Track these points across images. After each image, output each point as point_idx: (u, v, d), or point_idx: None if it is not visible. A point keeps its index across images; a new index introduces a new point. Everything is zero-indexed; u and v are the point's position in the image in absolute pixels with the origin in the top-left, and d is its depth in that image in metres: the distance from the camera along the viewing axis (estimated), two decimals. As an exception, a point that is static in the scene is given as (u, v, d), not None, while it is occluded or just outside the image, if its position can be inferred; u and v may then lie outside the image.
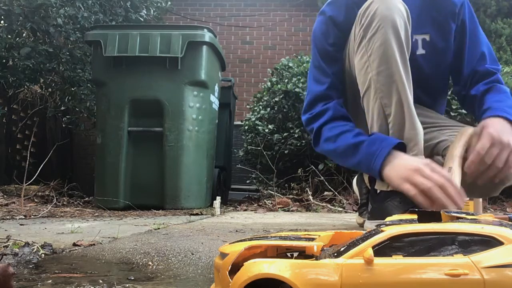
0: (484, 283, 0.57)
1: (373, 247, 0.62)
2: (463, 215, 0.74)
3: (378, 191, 1.55)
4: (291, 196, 3.78)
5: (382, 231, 0.65)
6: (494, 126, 1.41)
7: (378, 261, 0.60)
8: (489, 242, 0.60)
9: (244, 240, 0.77)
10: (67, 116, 4.91)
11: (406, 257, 0.61)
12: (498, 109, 1.50)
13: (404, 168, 1.33)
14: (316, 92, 1.68)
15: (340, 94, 1.67)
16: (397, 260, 0.60)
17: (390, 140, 1.43)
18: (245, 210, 3.55)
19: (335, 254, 0.64)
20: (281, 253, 0.75)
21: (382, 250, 0.62)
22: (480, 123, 1.46)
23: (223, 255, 0.71)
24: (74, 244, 1.49)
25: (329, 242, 0.76)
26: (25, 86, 4.62)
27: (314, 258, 0.66)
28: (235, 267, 0.66)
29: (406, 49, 1.48)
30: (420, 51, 1.66)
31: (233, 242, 0.76)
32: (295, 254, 0.76)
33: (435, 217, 0.77)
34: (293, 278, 0.61)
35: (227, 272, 0.67)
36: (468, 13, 1.70)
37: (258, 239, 0.75)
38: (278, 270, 0.61)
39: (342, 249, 0.65)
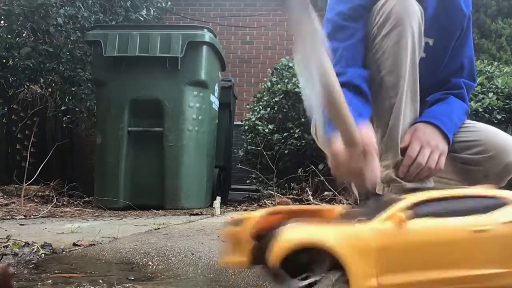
0: (506, 236, 0.66)
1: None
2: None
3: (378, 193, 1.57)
4: (291, 196, 3.78)
5: (403, 198, 0.69)
6: (422, 130, 1.45)
7: (412, 224, 0.65)
8: (496, 202, 0.69)
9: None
10: (67, 116, 4.91)
11: (435, 219, 0.66)
12: (430, 115, 1.51)
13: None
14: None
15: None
16: (429, 221, 0.66)
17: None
18: (245, 210, 3.55)
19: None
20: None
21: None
22: (410, 128, 1.48)
23: (238, 222, 0.69)
24: (74, 244, 1.49)
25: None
26: (25, 86, 4.61)
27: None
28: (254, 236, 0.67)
29: (417, 51, 1.49)
30: (422, 53, 1.62)
31: (241, 215, 0.76)
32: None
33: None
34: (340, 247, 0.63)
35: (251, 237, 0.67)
36: (468, 23, 1.70)
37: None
38: (329, 239, 0.62)
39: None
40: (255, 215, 0.68)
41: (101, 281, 0.97)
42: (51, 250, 1.35)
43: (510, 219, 0.67)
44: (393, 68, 1.45)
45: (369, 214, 0.68)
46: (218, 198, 3.13)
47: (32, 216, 2.70)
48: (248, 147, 4.45)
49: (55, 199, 3.60)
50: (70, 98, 4.64)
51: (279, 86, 4.20)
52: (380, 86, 1.48)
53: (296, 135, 3.97)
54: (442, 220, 0.66)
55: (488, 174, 1.56)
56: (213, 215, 2.93)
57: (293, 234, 0.62)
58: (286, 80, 4.19)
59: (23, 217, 2.66)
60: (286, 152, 4.00)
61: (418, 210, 0.67)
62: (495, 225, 0.66)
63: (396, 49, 1.44)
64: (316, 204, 3.52)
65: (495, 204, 0.69)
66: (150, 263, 1.21)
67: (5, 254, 1.22)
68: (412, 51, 1.46)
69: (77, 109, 4.74)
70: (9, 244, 1.35)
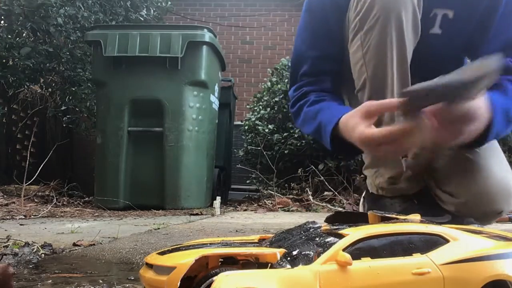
0: (443, 279, 0.62)
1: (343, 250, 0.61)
2: (394, 215, 0.78)
3: (370, 191, 1.54)
4: (291, 196, 3.78)
5: (340, 233, 0.64)
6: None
7: (355, 266, 0.60)
8: (437, 240, 0.65)
9: (176, 248, 0.70)
10: (67, 116, 4.91)
11: (376, 259, 0.61)
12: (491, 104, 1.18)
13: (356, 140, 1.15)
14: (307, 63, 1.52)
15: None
16: (372, 263, 0.61)
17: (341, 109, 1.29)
18: (245, 210, 3.55)
19: (287, 256, 0.62)
20: (224, 259, 0.67)
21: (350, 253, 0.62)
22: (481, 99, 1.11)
23: (163, 269, 0.62)
24: (74, 244, 1.49)
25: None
26: (25, 86, 4.62)
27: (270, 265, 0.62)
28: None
29: (409, 44, 1.29)
30: (436, 30, 1.40)
31: (161, 251, 0.70)
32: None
33: (363, 217, 0.80)
34: None
35: None
36: None
37: (188, 248, 0.68)
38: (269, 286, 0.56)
39: (294, 252, 0.63)
40: (186, 263, 0.60)
41: (101, 281, 0.97)
42: (51, 250, 1.35)
43: (450, 260, 0.63)
44: (377, 71, 1.28)
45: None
46: (218, 198, 3.13)
47: (32, 216, 2.70)
48: (248, 147, 4.45)
49: (55, 199, 3.60)
50: (70, 98, 4.65)
51: (279, 86, 4.20)
52: (364, 88, 1.34)
53: (296, 135, 3.97)
54: (384, 261, 0.61)
55: (469, 218, 1.46)
56: (213, 215, 2.93)
57: (230, 285, 0.56)
58: (286, 80, 4.19)
59: (23, 217, 2.66)
60: (286, 152, 4.01)
61: (359, 248, 0.62)
62: (435, 266, 0.62)
63: (381, 49, 1.26)
64: (317, 204, 3.52)
65: (437, 242, 0.65)
66: (150, 263, 1.21)
67: (5, 254, 1.22)
68: (400, 46, 1.26)
69: (77, 109, 4.75)
70: (9, 244, 1.35)
